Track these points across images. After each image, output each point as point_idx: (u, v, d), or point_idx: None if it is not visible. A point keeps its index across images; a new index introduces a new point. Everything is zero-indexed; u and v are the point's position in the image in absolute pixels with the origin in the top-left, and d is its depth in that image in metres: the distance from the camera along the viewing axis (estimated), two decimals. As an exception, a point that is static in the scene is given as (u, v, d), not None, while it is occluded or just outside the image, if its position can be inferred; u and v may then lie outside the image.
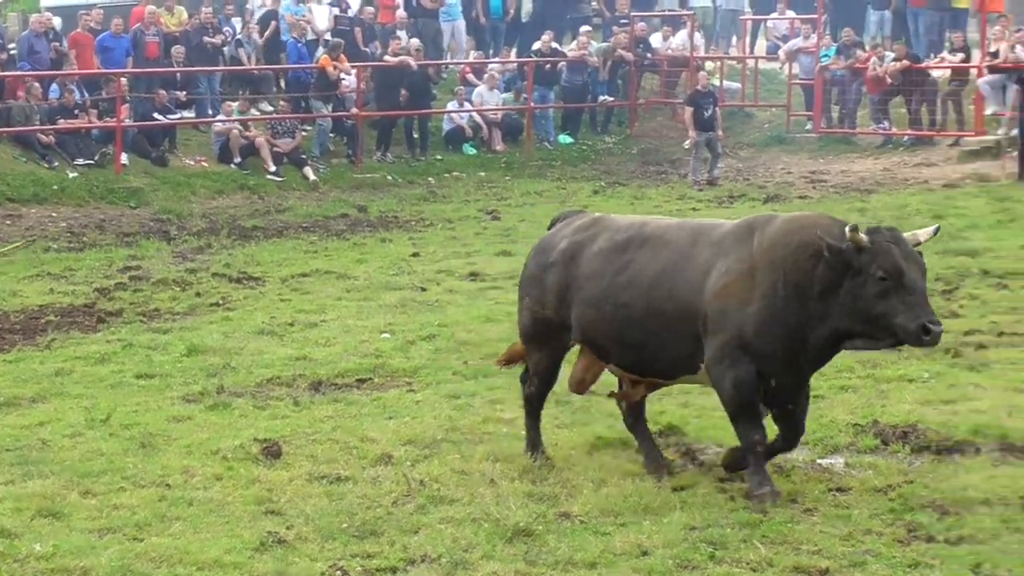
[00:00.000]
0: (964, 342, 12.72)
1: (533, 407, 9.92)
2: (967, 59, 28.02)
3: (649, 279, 9.16)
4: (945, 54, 28.84)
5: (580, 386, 10.02)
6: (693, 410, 10.43)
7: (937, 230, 9.27)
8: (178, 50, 26.50)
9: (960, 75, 28.22)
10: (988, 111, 27.12)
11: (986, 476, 9.11)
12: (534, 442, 9.82)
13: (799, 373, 8.98)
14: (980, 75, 27.25)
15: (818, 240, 8.54)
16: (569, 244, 9.58)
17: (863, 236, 8.45)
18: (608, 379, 10.03)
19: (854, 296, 8.52)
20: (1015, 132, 25.31)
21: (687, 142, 26.42)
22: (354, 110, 27.46)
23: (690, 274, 9.02)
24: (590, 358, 9.75)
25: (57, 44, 25.73)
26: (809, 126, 30.23)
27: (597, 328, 9.40)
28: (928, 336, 8.41)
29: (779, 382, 8.89)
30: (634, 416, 9.73)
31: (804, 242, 8.70)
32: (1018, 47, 26.39)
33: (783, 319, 8.71)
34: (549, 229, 10.09)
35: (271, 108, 27.86)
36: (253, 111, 27.33)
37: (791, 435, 9.13)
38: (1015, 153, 24.61)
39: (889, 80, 27.91)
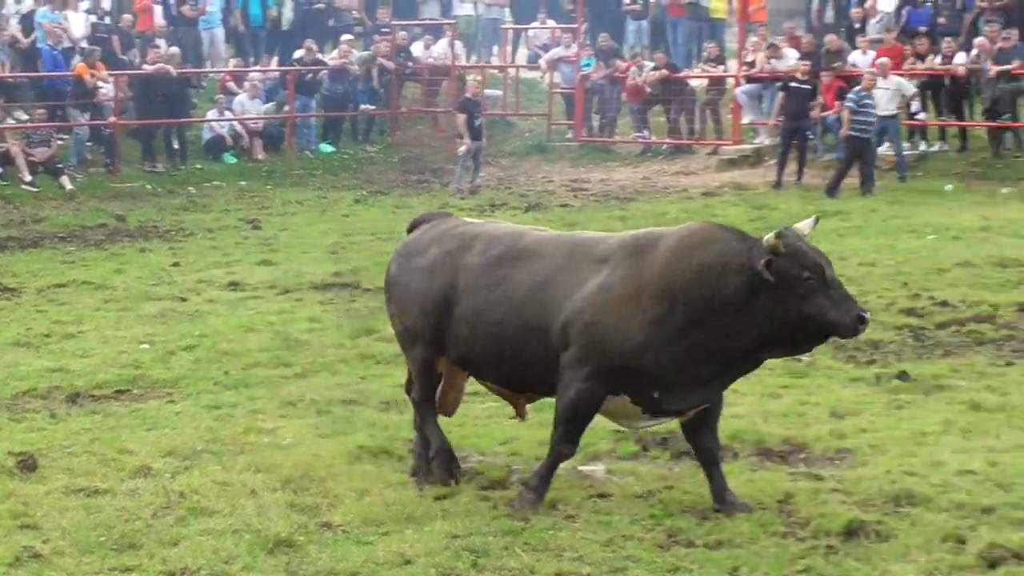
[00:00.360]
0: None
1: (425, 412, 9.56)
2: (724, 69, 28.82)
3: (523, 295, 8.89)
4: (702, 64, 29.61)
5: (449, 407, 9.75)
6: (455, 419, 10.28)
7: (817, 220, 9.07)
8: (-73, 57, 25.80)
9: (717, 84, 29.00)
10: (745, 120, 27.96)
11: (744, 480, 9.28)
12: (438, 448, 9.41)
13: (702, 389, 8.67)
14: (737, 85, 28.06)
15: (722, 259, 8.37)
16: (441, 253, 9.27)
17: (779, 241, 8.24)
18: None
19: (775, 302, 8.27)
20: (773, 140, 26.16)
21: (462, 148, 26.43)
22: (112, 119, 27.00)
23: (564, 290, 8.74)
24: (452, 376, 9.51)
25: None
26: (570, 135, 30.69)
27: (472, 346, 9.13)
28: (863, 325, 8.35)
29: (666, 396, 8.61)
30: None
31: (706, 263, 8.41)
32: (774, 58, 27.21)
33: (679, 342, 8.43)
34: (409, 232, 9.84)
35: (26, 117, 27.17)
36: (8, 120, 26.62)
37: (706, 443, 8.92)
38: (774, 161, 25.42)
39: (648, 89, 28.51)
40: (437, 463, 9.35)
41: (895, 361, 12.75)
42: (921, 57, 26.49)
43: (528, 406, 9.58)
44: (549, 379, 8.81)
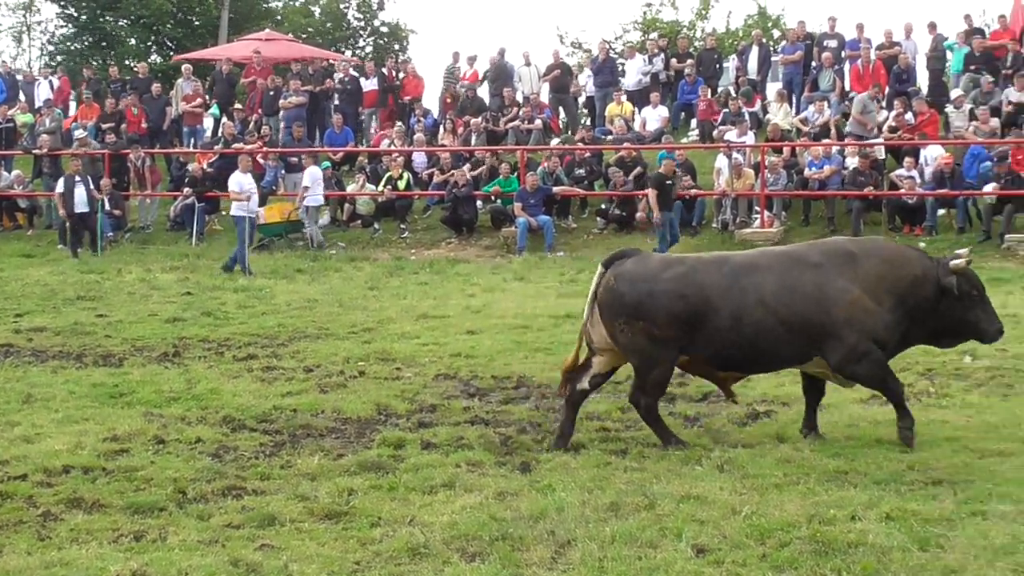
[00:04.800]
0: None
1: (652, 414, 11.64)
2: None
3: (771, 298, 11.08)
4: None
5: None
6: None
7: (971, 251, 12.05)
8: None
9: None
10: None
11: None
12: (666, 437, 11.57)
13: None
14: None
15: (925, 272, 11.24)
16: (678, 275, 11.26)
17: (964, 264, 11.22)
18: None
19: (950, 308, 11.22)
20: None
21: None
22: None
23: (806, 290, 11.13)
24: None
25: None
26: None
27: (734, 343, 11.15)
28: (1001, 335, 11.57)
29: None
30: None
31: (917, 274, 11.25)
32: None
33: (899, 328, 11.23)
34: (606, 266, 11.57)
35: None
36: None
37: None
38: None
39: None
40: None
41: None
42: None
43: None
44: (783, 361, 11.46)
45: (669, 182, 25.97)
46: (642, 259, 11.64)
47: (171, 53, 50.28)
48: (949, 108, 30.89)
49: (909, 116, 29.83)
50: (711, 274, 11.27)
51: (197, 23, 54.31)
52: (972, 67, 32.37)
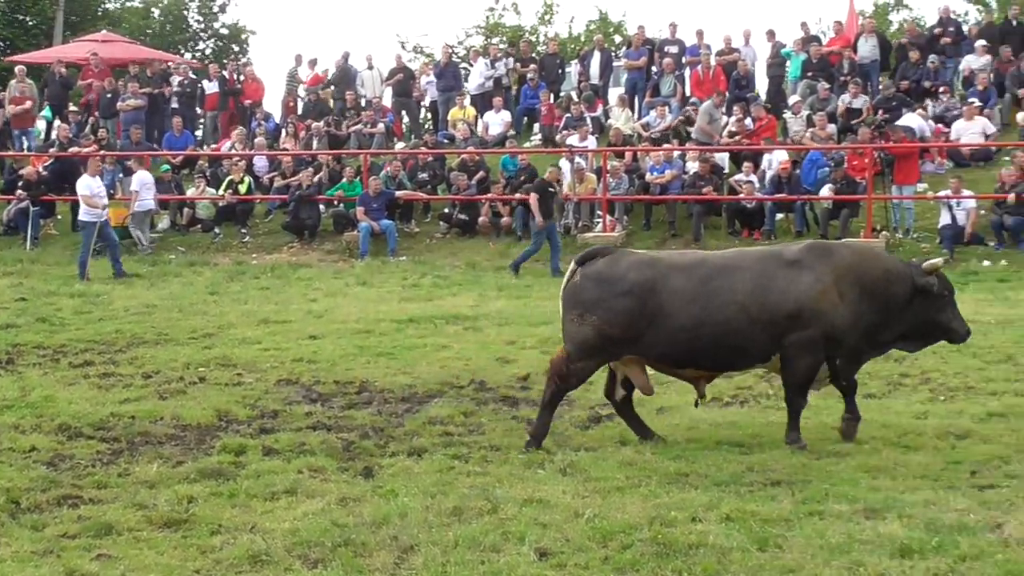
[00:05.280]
0: None
1: (555, 399, 11.81)
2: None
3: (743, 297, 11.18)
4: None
5: (647, 389, 11.97)
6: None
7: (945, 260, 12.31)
8: None
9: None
10: None
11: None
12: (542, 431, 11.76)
13: (855, 365, 11.71)
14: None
15: (898, 269, 11.56)
16: (641, 278, 11.33)
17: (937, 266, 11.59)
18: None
19: (921, 308, 11.45)
20: None
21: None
22: None
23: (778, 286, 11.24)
24: (640, 367, 11.72)
25: None
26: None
27: (692, 344, 11.22)
28: (969, 336, 11.81)
29: (843, 364, 11.52)
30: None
31: (890, 270, 11.53)
32: None
33: (862, 325, 11.31)
34: (580, 264, 11.65)
35: None
36: None
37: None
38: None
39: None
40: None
41: None
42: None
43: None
44: (755, 359, 11.45)
45: (552, 189, 25.96)
46: (614, 258, 11.73)
47: (3, 54, 49.17)
48: (787, 114, 31.43)
49: (748, 122, 30.27)
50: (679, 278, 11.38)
51: (31, 23, 53.14)
52: (809, 74, 32.99)
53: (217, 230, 30.47)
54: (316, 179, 30.02)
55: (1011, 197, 25.28)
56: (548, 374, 11.95)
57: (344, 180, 30.10)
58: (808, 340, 11.17)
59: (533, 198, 25.60)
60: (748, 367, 11.83)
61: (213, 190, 30.89)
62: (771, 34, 35.63)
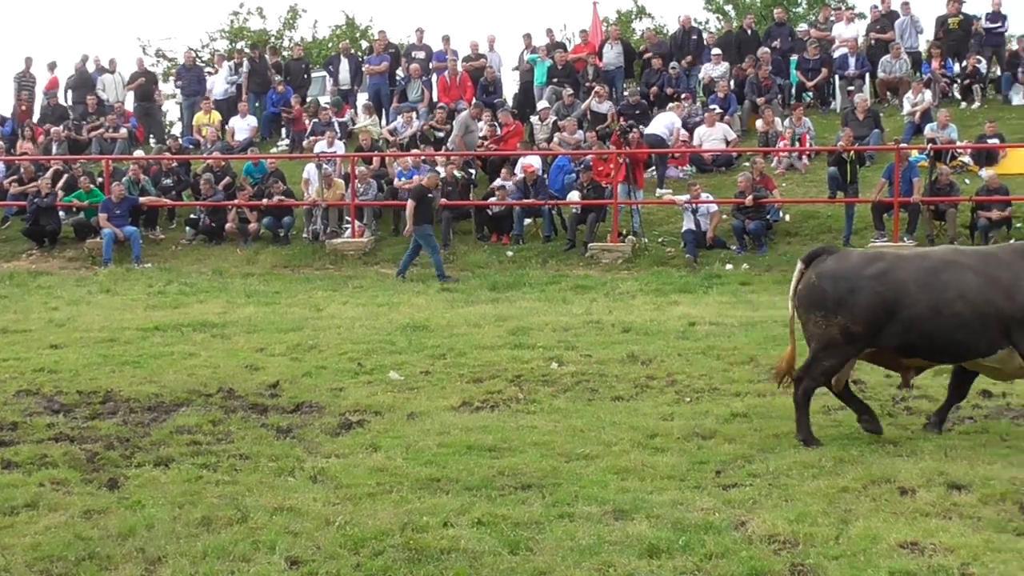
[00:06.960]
0: None
1: (807, 397, 11.78)
2: None
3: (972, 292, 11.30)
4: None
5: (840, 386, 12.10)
6: None
7: None
8: None
9: None
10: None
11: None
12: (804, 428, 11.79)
13: None
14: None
15: None
16: (877, 271, 11.46)
17: None
18: None
19: None
20: None
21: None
22: None
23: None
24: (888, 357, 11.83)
25: None
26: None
27: (930, 333, 11.35)
28: None
29: None
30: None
31: None
32: None
33: None
34: (807, 262, 11.77)
35: None
36: None
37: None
38: None
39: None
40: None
41: None
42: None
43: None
44: (980, 352, 11.48)
45: (430, 195, 25.67)
46: (843, 255, 11.84)
47: None
48: (534, 119, 31.77)
49: (496, 127, 30.51)
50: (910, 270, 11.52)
51: None
52: (555, 80, 33.41)
53: (-48, 238, 29.48)
54: (56, 187, 29.22)
55: (749, 199, 25.95)
56: (779, 375, 12.31)
57: (80, 189, 29.27)
58: None
59: (410, 204, 25.35)
60: (972, 359, 11.82)
61: (-54, 197, 29.90)
62: (528, 37, 35.90)
